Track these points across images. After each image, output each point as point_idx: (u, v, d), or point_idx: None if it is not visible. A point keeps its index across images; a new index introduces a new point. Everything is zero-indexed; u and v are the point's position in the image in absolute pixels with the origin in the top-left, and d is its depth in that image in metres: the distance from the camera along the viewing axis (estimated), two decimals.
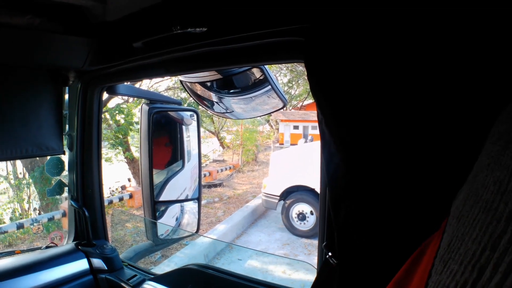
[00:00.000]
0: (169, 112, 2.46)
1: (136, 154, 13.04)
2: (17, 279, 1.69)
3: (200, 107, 2.75)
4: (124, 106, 12.77)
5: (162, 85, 16.09)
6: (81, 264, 1.97)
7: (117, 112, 12.45)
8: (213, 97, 1.94)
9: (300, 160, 8.98)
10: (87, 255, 2.02)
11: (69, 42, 1.61)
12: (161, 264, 6.39)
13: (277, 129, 26.17)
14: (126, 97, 12.47)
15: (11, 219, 10.18)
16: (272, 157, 10.17)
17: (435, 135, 0.67)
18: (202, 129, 17.42)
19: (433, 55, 0.66)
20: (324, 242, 1.12)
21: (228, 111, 2.04)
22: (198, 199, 2.57)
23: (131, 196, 10.98)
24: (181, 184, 2.57)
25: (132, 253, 2.37)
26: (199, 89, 1.93)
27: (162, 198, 2.42)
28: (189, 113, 2.65)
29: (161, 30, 1.31)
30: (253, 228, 9.76)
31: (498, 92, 0.58)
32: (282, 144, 23.65)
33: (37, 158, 8.89)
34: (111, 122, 12.65)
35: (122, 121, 12.60)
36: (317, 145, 8.12)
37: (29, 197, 11.29)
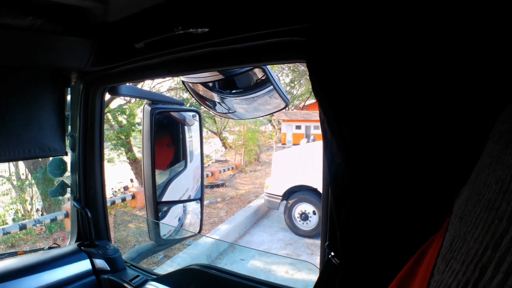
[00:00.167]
0: (171, 113, 2.46)
1: (138, 155, 13.06)
2: (20, 279, 1.69)
3: (202, 107, 2.75)
4: (126, 106, 12.79)
5: (164, 85, 16.13)
6: (84, 265, 1.97)
7: (119, 113, 12.47)
8: (215, 97, 1.94)
9: (303, 160, 8.98)
10: (89, 256, 2.02)
11: (70, 43, 1.62)
12: (164, 264, 6.40)
13: (279, 129, 26.16)
14: (128, 98, 12.49)
15: (13, 220, 10.21)
16: (274, 157, 10.19)
17: (437, 134, 0.67)
18: (204, 130, 17.44)
19: (434, 55, 0.66)
20: (327, 242, 1.12)
21: (230, 111, 2.04)
22: (201, 200, 2.57)
23: (133, 197, 10.99)
24: (183, 184, 2.57)
25: (135, 253, 2.38)
26: (201, 90, 1.93)
27: (164, 199, 2.42)
28: (191, 113, 2.65)
29: (163, 31, 1.31)
30: (256, 228, 9.77)
31: (500, 91, 0.58)
32: (285, 144, 23.63)
33: (40, 159, 8.90)
34: (113, 123, 12.67)
35: (124, 121, 12.62)
36: (319, 145, 8.12)
37: (31, 198, 11.33)
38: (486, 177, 0.36)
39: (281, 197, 9.06)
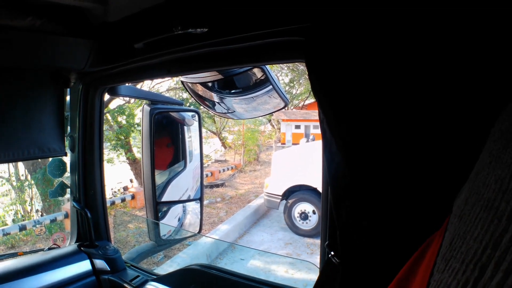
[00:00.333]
0: (170, 113, 2.46)
1: (138, 155, 13.06)
2: (20, 280, 1.69)
3: (201, 107, 2.75)
4: (126, 107, 12.79)
5: (163, 85, 16.12)
6: (84, 265, 1.97)
7: (118, 113, 12.47)
8: (215, 97, 1.94)
9: (302, 160, 8.99)
10: (89, 256, 2.02)
11: (70, 44, 1.62)
12: (164, 264, 6.40)
13: (279, 128, 26.16)
14: (127, 98, 12.48)
15: (13, 221, 10.21)
16: (274, 156, 10.20)
17: (437, 133, 0.67)
18: (203, 130, 17.44)
19: (434, 54, 0.66)
20: (327, 241, 1.12)
21: (229, 111, 2.04)
22: (200, 200, 2.57)
23: (133, 197, 10.99)
24: (183, 184, 2.57)
25: (135, 254, 2.38)
26: (201, 90, 1.93)
27: (164, 199, 2.42)
28: (190, 113, 2.65)
29: (162, 31, 1.31)
30: (256, 228, 9.77)
31: (500, 90, 0.58)
32: (284, 143, 23.64)
33: (39, 159, 8.89)
34: (112, 123, 12.67)
35: (124, 122, 12.62)
36: (318, 144, 8.13)
37: (31, 199, 11.32)
38: (486, 176, 0.36)
39: (280, 197, 9.06)
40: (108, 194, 11.71)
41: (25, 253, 1.98)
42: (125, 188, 12.62)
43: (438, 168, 0.67)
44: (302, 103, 27.93)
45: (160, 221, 2.33)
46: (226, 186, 14.44)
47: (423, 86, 0.68)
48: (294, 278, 6.00)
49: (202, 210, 2.56)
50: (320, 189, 1.32)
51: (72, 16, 1.50)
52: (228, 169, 17.50)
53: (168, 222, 2.44)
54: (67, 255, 1.97)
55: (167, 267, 6.03)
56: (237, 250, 7.89)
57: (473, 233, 0.33)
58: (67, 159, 2.13)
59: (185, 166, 2.59)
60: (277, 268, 6.58)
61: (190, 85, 1.94)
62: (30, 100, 1.81)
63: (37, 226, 8.34)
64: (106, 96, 2.07)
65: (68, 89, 2.00)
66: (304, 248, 8.27)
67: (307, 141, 15.55)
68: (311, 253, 7.96)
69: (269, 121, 26.77)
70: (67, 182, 2.18)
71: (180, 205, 2.60)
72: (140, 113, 2.34)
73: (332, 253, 1.01)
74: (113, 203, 10.46)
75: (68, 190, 2.18)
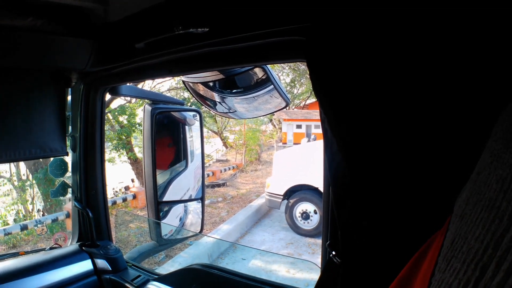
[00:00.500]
0: (172, 113, 2.46)
1: (139, 155, 13.07)
2: (22, 280, 1.70)
3: (203, 107, 2.75)
4: (127, 105, 12.81)
5: (164, 85, 16.12)
6: (85, 265, 1.98)
7: (119, 113, 12.48)
8: (216, 97, 1.94)
9: (303, 159, 8.98)
10: (91, 256, 2.02)
11: (71, 44, 1.62)
12: (165, 264, 6.41)
13: (280, 128, 26.14)
14: (128, 98, 12.49)
15: (15, 220, 10.23)
16: (275, 156, 10.19)
17: (438, 133, 0.67)
18: (205, 129, 17.44)
19: (435, 54, 0.66)
20: (328, 241, 1.12)
21: (230, 111, 2.04)
22: (202, 199, 2.57)
23: (134, 197, 10.99)
24: (184, 184, 2.57)
25: (136, 253, 2.38)
26: (202, 89, 1.93)
27: (165, 199, 2.42)
28: (192, 113, 2.65)
29: (163, 31, 1.31)
30: (257, 228, 9.77)
31: (501, 89, 0.58)
32: (285, 143, 23.63)
33: (41, 159, 8.91)
34: (114, 123, 12.68)
35: (125, 122, 12.63)
36: (320, 144, 8.12)
37: (32, 199, 11.34)
38: (487, 176, 0.36)
39: (282, 197, 9.06)
40: (110, 194, 11.72)
41: (26, 253, 1.98)
42: (127, 188, 12.62)
43: (439, 168, 0.67)
44: (303, 102, 27.93)
45: (162, 221, 2.33)
46: (228, 185, 14.43)
47: (424, 86, 0.68)
48: (295, 278, 6.00)
49: (204, 210, 2.56)
50: (321, 188, 1.32)
51: (73, 16, 1.50)
52: (229, 168, 17.49)
53: (170, 222, 2.44)
54: (68, 255, 1.97)
55: (168, 267, 6.04)
56: (238, 249, 7.90)
57: (474, 233, 0.33)
58: (68, 159, 2.14)
59: (186, 166, 2.59)
60: (278, 268, 6.58)
61: (191, 84, 1.94)
62: (32, 100, 1.82)
63: (39, 225, 8.35)
64: (107, 96, 2.07)
65: (69, 89, 2.00)
66: (306, 248, 8.27)
67: (309, 140, 15.59)
68: (313, 253, 7.96)
69: (271, 120, 26.77)
70: (69, 181, 2.18)
71: (182, 204, 2.60)
72: (141, 112, 2.34)
73: (334, 253, 1.01)
74: (114, 202, 10.46)
75: (70, 189, 2.19)
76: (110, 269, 2.00)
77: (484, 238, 0.30)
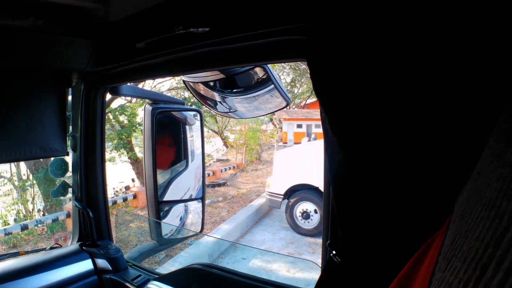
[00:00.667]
0: (172, 112, 2.46)
1: (139, 155, 13.07)
2: (22, 280, 1.70)
3: (203, 106, 2.75)
4: (128, 105, 12.81)
5: (165, 85, 16.12)
6: (86, 265, 1.98)
7: (120, 112, 12.48)
8: (216, 96, 1.94)
9: (304, 159, 8.98)
10: (91, 256, 2.02)
11: (72, 44, 1.62)
12: (166, 264, 6.41)
13: (281, 128, 26.15)
14: (129, 98, 12.49)
15: (15, 220, 10.23)
16: (275, 156, 10.20)
17: (438, 133, 0.67)
18: (205, 129, 17.45)
19: (435, 53, 0.66)
20: (328, 241, 1.12)
21: (231, 110, 2.04)
22: (202, 199, 2.57)
23: (135, 197, 10.99)
24: (185, 184, 2.57)
25: (137, 253, 2.38)
26: (202, 89, 1.93)
27: (166, 198, 2.42)
28: (192, 113, 2.64)
29: (164, 31, 1.31)
30: (257, 227, 9.78)
31: (502, 89, 0.58)
32: (286, 143, 23.63)
33: (41, 159, 8.91)
34: (114, 122, 12.69)
35: (126, 121, 12.63)
36: (320, 143, 8.14)
37: (33, 198, 11.35)
38: (487, 175, 0.36)
39: (282, 196, 9.07)
40: (110, 194, 11.73)
41: (27, 253, 1.98)
42: (127, 188, 12.62)
43: (439, 168, 0.67)
44: (304, 102, 27.93)
45: (162, 221, 2.34)
46: (228, 185, 14.44)
47: (425, 86, 0.68)
48: (295, 277, 6.01)
49: (204, 210, 2.56)
50: (322, 188, 1.32)
51: (74, 16, 1.50)
52: (229, 168, 17.50)
53: (170, 222, 2.44)
54: (69, 255, 1.98)
55: (168, 267, 6.04)
56: (238, 249, 7.90)
57: (474, 232, 0.33)
58: (69, 159, 2.14)
59: (186, 166, 2.59)
60: (279, 267, 6.59)
61: (191, 84, 1.94)
62: (32, 100, 1.82)
63: (39, 225, 8.35)
64: (108, 96, 2.08)
65: (70, 89, 2.00)
66: (306, 248, 8.28)
67: (309, 140, 15.57)
68: (313, 252, 7.96)
69: (271, 120, 26.78)
70: (69, 181, 2.18)
71: (182, 204, 2.60)
72: (142, 112, 2.34)
73: (334, 252, 1.01)
74: (115, 202, 10.47)
75: (70, 189, 2.19)
76: (111, 268, 2.01)
77: (484, 237, 0.30)
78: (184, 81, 2.00)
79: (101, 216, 2.14)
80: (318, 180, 8.20)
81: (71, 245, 2.11)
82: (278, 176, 9.43)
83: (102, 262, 2.01)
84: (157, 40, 1.38)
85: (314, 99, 25.32)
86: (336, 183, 0.90)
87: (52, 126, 1.91)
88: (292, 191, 8.97)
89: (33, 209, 11.26)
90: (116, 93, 2.05)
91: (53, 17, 1.46)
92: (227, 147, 23.04)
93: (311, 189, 8.64)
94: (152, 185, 2.19)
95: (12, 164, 11.85)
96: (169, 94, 14.62)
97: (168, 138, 2.54)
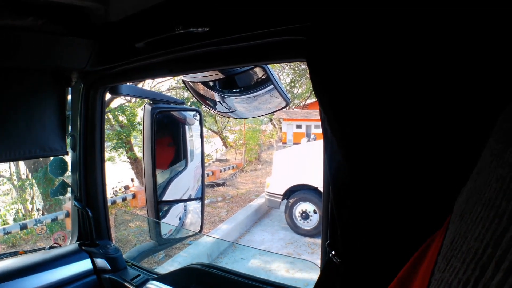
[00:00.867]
0: (171, 112, 2.46)
1: (139, 154, 13.07)
2: (21, 279, 1.70)
3: (203, 106, 2.75)
4: (127, 104, 12.81)
5: (164, 85, 16.12)
6: (85, 264, 1.98)
7: (119, 112, 12.48)
8: (216, 96, 1.94)
9: (303, 159, 8.98)
10: (90, 255, 2.02)
11: (71, 43, 1.62)
12: (165, 263, 6.41)
13: (280, 128, 26.16)
14: (128, 97, 12.49)
15: (14, 220, 10.23)
16: (275, 156, 10.20)
17: (438, 133, 0.67)
18: (205, 129, 17.45)
19: (435, 53, 0.66)
20: (327, 241, 1.12)
21: (230, 110, 2.04)
22: (201, 199, 2.57)
23: (134, 196, 11.00)
24: (184, 183, 2.57)
25: (136, 253, 2.38)
26: (202, 89, 1.93)
27: (165, 198, 2.42)
28: (192, 112, 2.64)
29: (163, 30, 1.31)
30: (257, 227, 9.78)
31: (502, 89, 0.58)
32: (285, 143, 23.65)
33: (40, 159, 8.91)
34: (113, 122, 12.69)
35: (125, 121, 12.64)
36: (320, 144, 8.13)
37: (32, 198, 11.34)
38: (487, 175, 0.36)
39: (281, 196, 9.07)
40: (109, 193, 11.72)
41: (26, 252, 1.98)
42: (126, 187, 12.61)
43: (439, 168, 0.67)
44: (303, 102, 27.95)
45: (161, 220, 2.33)
46: (227, 185, 14.44)
47: (424, 86, 0.68)
48: (295, 277, 6.01)
49: (203, 210, 2.56)
50: (321, 188, 1.32)
51: (73, 16, 1.50)
52: (229, 168, 17.51)
53: (169, 221, 2.44)
54: (68, 254, 1.97)
55: (168, 266, 6.04)
56: (238, 249, 7.90)
57: (474, 232, 0.33)
58: (68, 158, 2.14)
59: (186, 166, 2.59)
60: (278, 267, 6.59)
61: (191, 84, 1.94)
62: (32, 100, 1.82)
63: (38, 225, 8.35)
64: (107, 96, 2.07)
65: (70, 89, 2.00)
66: (305, 248, 8.28)
67: (308, 140, 15.57)
68: (312, 252, 7.97)
69: (270, 120, 26.79)
70: (68, 181, 2.18)
71: (181, 204, 2.60)
72: (141, 112, 2.34)
73: (333, 252, 1.01)
74: (114, 202, 10.47)
75: (69, 189, 2.19)
76: (110, 268, 2.01)
77: (484, 237, 0.30)
78: (183, 81, 2.00)
79: (101, 216, 2.14)
80: (317, 180, 8.20)
81: (70, 245, 2.11)
82: (277, 176, 9.43)
83: (101, 262, 2.01)
84: (157, 40, 1.38)
85: (313, 99, 25.36)
86: (335, 183, 0.90)
87: (51, 126, 1.91)
88: (292, 192, 8.98)
89: (32, 209, 11.26)
90: (115, 93, 2.05)
91: (52, 16, 1.46)
92: (226, 147, 23.04)
93: (311, 190, 8.65)
94: (151, 184, 2.19)
95: (12, 163, 11.85)
96: (168, 94, 14.62)
97: (167, 138, 2.55)
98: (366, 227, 0.81)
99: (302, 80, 25.25)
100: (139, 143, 13.31)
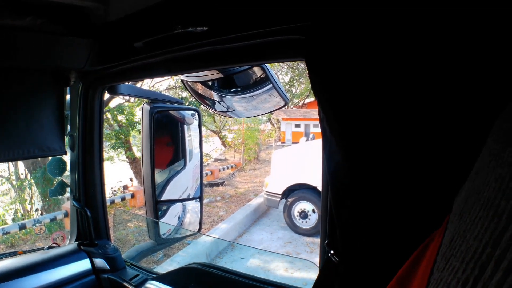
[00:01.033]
0: (170, 112, 2.46)
1: (137, 154, 13.06)
2: (20, 279, 1.69)
3: (201, 106, 2.75)
4: (126, 104, 12.80)
5: (163, 84, 16.11)
6: (84, 264, 1.97)
7: (118, 112, 12.47)
8: (215, 96, 1.94)
9: (302, 158, 8.98)
10: (89, 255, 2.02)
11: (70, 43, 1.62)
12: (164, 263, 6.40)
13: (279, 127, 26.19)
14: (127, 97, 12.48)
15: (13, 220, 10.20)
16: (273, 155, 10.19)
17: (437, 133, 0.67)
18: (203, 128, 17.43)
19: (434, 53, 0.66)
20: (326, 240, 1.12)
21: (229, 110, 2.04)
22: (200, 198, 2.57)
23: (133, 196, 10.99)
24: (183, 183, 2.57)
25: (135, 252, 2.38)
26: (200, 88, 1.93)
27: (164, 198, 2.41)
28: (190, 112, 2.64)
29: (162, 30, 1.31)
30: (255, 227, 9.77)
31: (500, 89, 0.58)
32: (284, 142, 23.66)
33: (39, 158, 8.89)
34: (112, 122, 12.68)
35: (124, 121, 12.63)
36: (318, 143, 8.13)
37: (31, 198, 11.31)
38: (486, 175, 0.36)
39: (280, 196, 9.06)
40: (108, 193, 11.71)
41: (24, 252, 1.98)
42: (125, 187, 12.60)
43: (438, 167, 0.67)
44: (302, 101, 27.97)
45: (160, 220, 2.33)
46: (226, 185, 14.44)
47: (424, 85, 0.68)
48: (293, 277, 6.01)
49: (202, 209, 2.56)
50: (320, 188, 1.33)
51: (72, 15, 1.50)
52: (228, 168, 17.51)
53: (168, 221, 2.44)
54: (66, 254, 1.97)
55: (166, 266, 6.03)
56: (236, 249, 7.90)
57: (473, 231, 0.33)
58: (67, 158, 2.13)
59: (185, 165, 2.59)
60: (276, 267, 6.59)
61: (190, 83, 1.94)
62: (30, 99, 1.81)
63: (37, 225, 8.34)
64: (106, 95, 2.07)
65: (68, 88, 2.00)
66: (304, 247, 8.28)
67: (307, 140, 15.57)
68: (311, 252, 7.97)
69: (269, 120, 26.79)
70: (67, 181, 2.18)
71: (180, 204, 2.60)
72: (140, 112, 2.34)
73: (332, 252, 1.01)
74: (113, 202, 10.46)
75: (68, 189, 2.18)
76: (109, 268, 2.00)
77: (483, 237, 0.30)
78: (182, 81, 2.00)
79: (99, 216, 2.14)
80: (316, 179, 8.19)
81: (69, 245, 2.11)
82: (276, 175, 9.42)
83: (100, 262, 2.01)
84: (155, 40, 1.38)
85: (312, 98, 25.37)
86: (334, 182, 0.90)
87: (50, 125, 1.91)
88: (290, 191, 8.97)
89: (31, 209, 11.22)
90: (114, 92, 2.05)
91: (51, 16, 1.45)
92: (225, 146, 23.03)
93: (309, 189, 8.64)
94: (150, 184, 2.19)
95: (10, 163, 11.81)
96: (167, 94, 14.61)
97: (166, 137, 2.54)
98: (365, 226, 0.81)
99: (300, 79, 25.26)
100: (138, 143, 13.30)
